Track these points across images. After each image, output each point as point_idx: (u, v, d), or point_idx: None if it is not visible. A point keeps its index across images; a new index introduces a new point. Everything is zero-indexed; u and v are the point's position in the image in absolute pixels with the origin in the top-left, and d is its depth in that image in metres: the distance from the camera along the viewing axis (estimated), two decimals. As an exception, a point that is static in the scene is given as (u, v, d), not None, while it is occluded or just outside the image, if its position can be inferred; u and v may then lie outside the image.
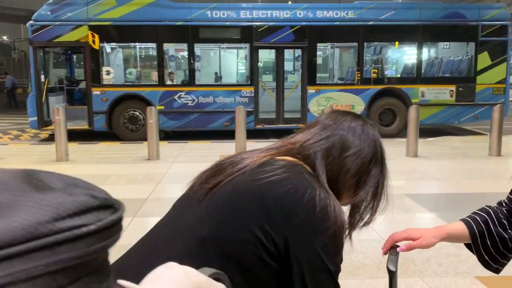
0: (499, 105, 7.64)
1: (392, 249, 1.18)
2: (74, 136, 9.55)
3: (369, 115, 9.79)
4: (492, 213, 1.25)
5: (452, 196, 5.18)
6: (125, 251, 0.93)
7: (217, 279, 0.67)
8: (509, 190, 1.27)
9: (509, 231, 1.22)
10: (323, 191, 0.90)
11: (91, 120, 9.64)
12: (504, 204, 1.27)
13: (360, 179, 1.00)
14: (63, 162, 7.03)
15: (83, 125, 9.82)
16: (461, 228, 1.27)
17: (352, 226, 1.04)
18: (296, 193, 0.87)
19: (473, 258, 3.62)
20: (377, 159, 1.02)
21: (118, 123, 9.66)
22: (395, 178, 6.43)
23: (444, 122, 10.35)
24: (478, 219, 1.25)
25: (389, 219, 4.53)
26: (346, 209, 1.06)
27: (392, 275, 1.06)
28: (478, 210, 1.30)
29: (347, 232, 1.05)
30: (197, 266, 0.83)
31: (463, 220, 1.29)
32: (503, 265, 1.27)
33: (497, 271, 1.27)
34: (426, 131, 9.91)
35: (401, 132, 9.49)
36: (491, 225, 1.23)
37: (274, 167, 0.92)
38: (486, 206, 1.29)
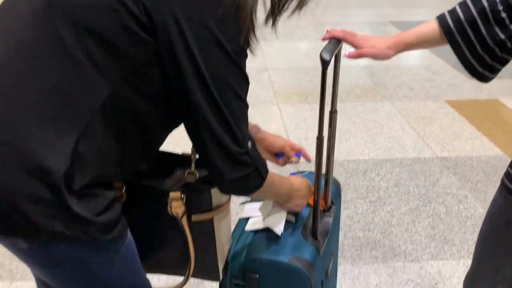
0: None
1: (333, 40, 0.99)
2: None
3: None
4: (486, 8, 0.93)
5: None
6: None
7: None
8: None
9: (510, 26, 0.92)
10: None
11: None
12: None
13: None
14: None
15: None
16: (431, 28, 1.00)
17: (278, 8, 0.79)
18: None
19: (447, 83, 3.60)
20: None
21: None
22: (380, 5, 6.14)
23: None
24: (461, 17, 0.96)
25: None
26: None
27: (325, 66, 0.87)
28: None
29: (271, 16, 0.81)
30: (42, 36, 0.67)
31: (439, 16, 1.01)
32: (497, 71, 0.99)
33: (486, 79, 1.01)
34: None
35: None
36: (481, 27, 0.94)
37: None
38: None
